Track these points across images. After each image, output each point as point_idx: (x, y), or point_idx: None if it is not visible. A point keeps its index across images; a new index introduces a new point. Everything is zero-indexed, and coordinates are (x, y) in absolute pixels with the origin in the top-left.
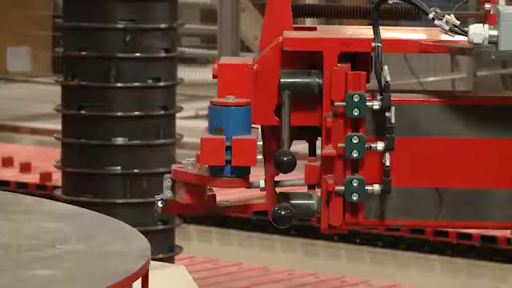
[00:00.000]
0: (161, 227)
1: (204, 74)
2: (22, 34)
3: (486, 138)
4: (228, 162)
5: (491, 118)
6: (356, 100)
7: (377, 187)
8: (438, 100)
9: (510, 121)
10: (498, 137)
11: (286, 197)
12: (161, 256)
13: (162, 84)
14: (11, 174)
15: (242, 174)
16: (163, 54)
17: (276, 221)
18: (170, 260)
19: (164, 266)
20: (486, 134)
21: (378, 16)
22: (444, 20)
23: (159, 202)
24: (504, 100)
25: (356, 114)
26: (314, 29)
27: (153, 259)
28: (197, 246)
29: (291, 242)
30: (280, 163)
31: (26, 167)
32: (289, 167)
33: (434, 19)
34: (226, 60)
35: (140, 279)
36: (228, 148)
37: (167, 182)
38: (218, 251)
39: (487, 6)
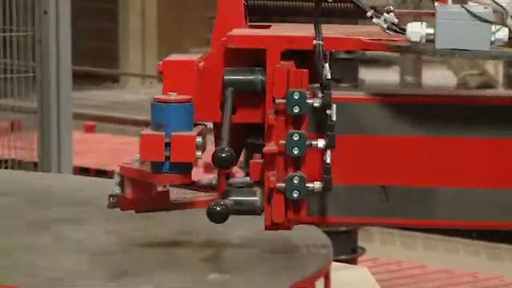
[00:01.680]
0: (344, 229)
1: (384, 75)
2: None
3: (425, 136)
4: (167, 158)
5: (432, 116)
6: (296, 97)
7: (318, 184)
8: (379, 98)
9: (446, 119)
10: (437, 135)
11: (230, 193)
12: (343, 257)
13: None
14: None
15: (182, 171)
16: (344, 56)
17: (211, 216)
18: (353, 261)
19: (347, 268)
20: (425, 133)
21: (319, 14)
22: (382, 18)
23: (110, 198)
24: (441, 98)
25: (296, 111)
26: (268, 27)
27: (335, 260)
28: (380, 248)
29: (474, 245)
30: (217, 159)
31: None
32: (225, 163)
33: (372, 17)
34: (173, 57)
35: (323, 279)
36: (167, 144)
37: (116, 178)
38: (400, 253)
39: (436, 4)
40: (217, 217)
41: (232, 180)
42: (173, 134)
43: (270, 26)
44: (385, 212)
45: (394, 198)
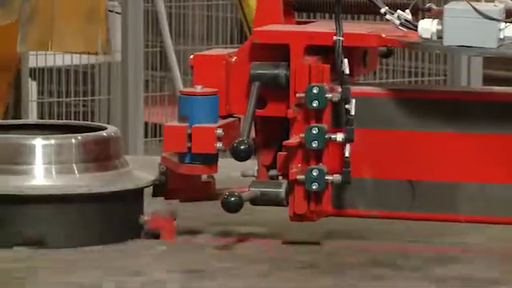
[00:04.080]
0: None
1: None
2: None
3: (452, 131)
4: (189, 149)
5: (458, 112)
6: (315, 92)
7: (337, 177)
8: (397, 93)
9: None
10: (463, 131)
11: (258, 184)
12: None
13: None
14: None
15: (205, 161)
16: None
17: (224, 206)
18: None
19: None
20: (451, 128)
21: (340, 10)
22: (396, 15)
23: (152, 188)
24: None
25: (315, 105)
26: (309, 23)
27: None
28: None
29: None
30: (235, 151)
31: None
32: (244, 155)
33: (385, 14)
34: (205, 52)
35: None
36: (190, 136)
37: (161, 168)
38: None
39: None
40: (231, 206)
41: (273, 171)
42: (194, 125)
43: (313, 21)
44: (411, 206)
45: (420, 193)
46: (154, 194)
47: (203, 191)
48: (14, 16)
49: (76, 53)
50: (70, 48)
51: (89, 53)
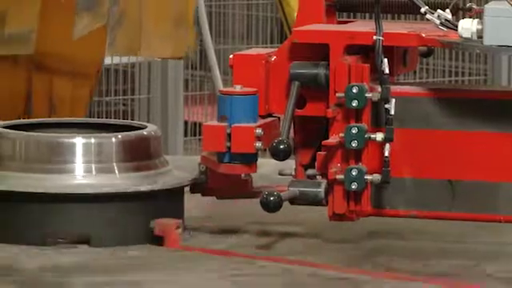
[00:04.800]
0: None
1: None
2: None
3: (491, 131)
4: (229, 148)
5: (497, 112)
6: (355, 91)
7: (376, 177)
8: (437, 93)
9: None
10: (502, 131)
11: (297, 184)
12: None
13: None
14: None
15: (245, 161)
16: None
17: (263, 205)
18: None
19: None
20: (491, 128)
21: (380, 10)
22: (436, 14)
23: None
24: (503, 94)
25: (354, 104)
26: (349, 22)
27: None
28: None
29: None
30: (274, 150)
31: None
32: (282, 155)
33: (425, 13)
34: (245, 51)
35: None
36: (229, 135)
37: (200, 168)
38: None
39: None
40: (270, 206)
41: (310, 171)
42: (233, 125)
43: (353, 21)
44: (450, 206)
45: (460, 192)
46: (192, 191)
47: (241, 189)
48: (103, 20)
49: (164, 58)
50: (157, 53)
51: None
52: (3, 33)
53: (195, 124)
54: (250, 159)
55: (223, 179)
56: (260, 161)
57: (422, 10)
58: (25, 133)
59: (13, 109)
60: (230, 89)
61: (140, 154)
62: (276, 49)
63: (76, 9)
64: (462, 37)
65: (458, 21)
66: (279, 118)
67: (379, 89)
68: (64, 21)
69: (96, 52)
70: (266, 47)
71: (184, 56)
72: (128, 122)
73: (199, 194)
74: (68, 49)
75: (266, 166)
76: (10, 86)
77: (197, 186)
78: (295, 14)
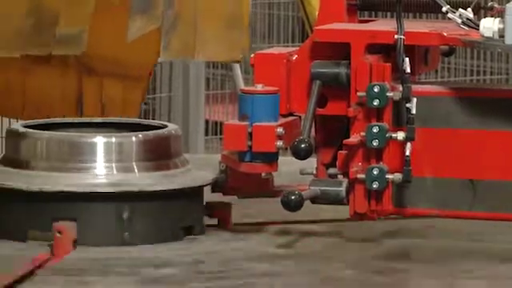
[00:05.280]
0: None
1: None
2: None
3: (503, 130)
4: (250, 147)
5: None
6: (376, 90)
7: (397, 176)
8: (459, 92)
9: None
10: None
11: (318, 183)
12: None
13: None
14: None
15: (266, 160)
16: None
17: (284, 205)
18: None
19: None
20: (501, 127)
21: (401, 9)
22: (457, 13)
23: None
24: None
25: (376, 104)
26: (370, 21)
27: None
28: None
29: None
30: (295, 150)
31: None
32: (304, 154)
33: (447, 12)
34: (266, 50)
35: None
36: (250, 134)
37: (221, 167)
38: None
39: None
40: (291, 205)
41: (332, 170)
42: (254, 124)
43: (374, 20)
44: (471, 205)
45: (481, 192)
46: (213, 190)
47: (262, 188)
48: (157, 23)
49: (220, 61)
50: (212, 57)
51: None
52: (55, 33)
53: (216, 123)
54: (271, 158)
55: (244, 178)
56: (281, 160)
57: (444, 9)
58: (47, 132)
59: (64, 111)
60: (251, 88)
61: (160, 154)
62: (297, 48)
63: (130, 11)
64: (483, 36)
65: (479, 20)
66: (300, 117)
67: (400, 88)
68: (116, 23)
69: (148, 55)
70: (288, 46)
71: (241, 59)
72: (149, 121)
73: (220, 193)
74: (120, 51)
75: (287, 165)
76: (62, 88)
77: (217, 185)
78: (316, 13)
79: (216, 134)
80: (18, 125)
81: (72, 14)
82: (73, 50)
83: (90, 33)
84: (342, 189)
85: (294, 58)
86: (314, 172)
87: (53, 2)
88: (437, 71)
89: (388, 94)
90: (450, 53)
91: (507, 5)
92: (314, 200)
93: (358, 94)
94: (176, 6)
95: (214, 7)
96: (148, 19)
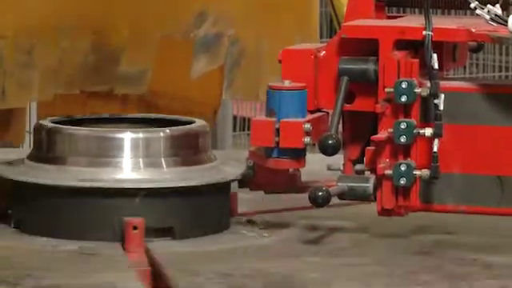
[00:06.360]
0: None
1: None
2: None
3: None
4: (277, 143)
5: None
6: (404, 86)
7: (425, 172)
8: (487, 88)
9: None
10: None
11: (345, 179)
12: None
13: None
14: None
15: (293, 156)
16: None
17: (312, 200)
18: None
19: None
20: None
21: (429, 5)
22: (486, 10)
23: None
24: None
25: (404, 100)
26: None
27: None
28: None
29: None
30: (323, 146)
31: None
32: (331, 150)
33: (475, 8)
34: (293, 46)
35: None
36: (277, 130)
37: (248, 163)
38: None
39: None
40: (318, 201)
41: (359, 166)
42: (281, 120)
43: (402, 16)
44: (499, 202)
45: (509, 188)
46: (240, 186)
47: (289, 184)
48: (220, 61)
49: None
50: None
51: None
52: (116, 71)
53: (244, 119)
54: (298, 154)
55: (271, 174)
56: (308, 156)
57: (472, 5)
58: (75, 128)
59: None
60: (278, 84)
61: (188, 149)
62: (325, 44)
63: (193, 49)
64: (511, 32)
65: (508, 16)
66: (328, 112)
67: (428, 84)
68: (179, 60)
69: (212, 93)
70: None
71: None
72: (177, 116)
73: (247, 189)
74: (182, 89)
75: (315, 161)
76: None
77: (244, 181)
78: (345, 9)
79: (243, 130)
80: (46, 121)
81: (135, 53)
82: (134, 90)
83: (152, 70)
84: (370, 185)
85: (322, 54)
86: (342, 168)
87: (117, 39)
88: (465, 67)
89: (416, 90)
90: (478, 49)
91: None
92: (342, 196)
93: (386, 90)
94: (241, 42)
95: (279, 41)
96: (212, 57)
